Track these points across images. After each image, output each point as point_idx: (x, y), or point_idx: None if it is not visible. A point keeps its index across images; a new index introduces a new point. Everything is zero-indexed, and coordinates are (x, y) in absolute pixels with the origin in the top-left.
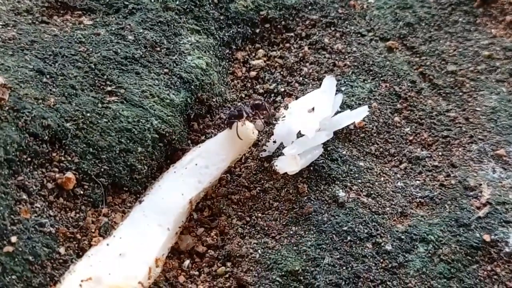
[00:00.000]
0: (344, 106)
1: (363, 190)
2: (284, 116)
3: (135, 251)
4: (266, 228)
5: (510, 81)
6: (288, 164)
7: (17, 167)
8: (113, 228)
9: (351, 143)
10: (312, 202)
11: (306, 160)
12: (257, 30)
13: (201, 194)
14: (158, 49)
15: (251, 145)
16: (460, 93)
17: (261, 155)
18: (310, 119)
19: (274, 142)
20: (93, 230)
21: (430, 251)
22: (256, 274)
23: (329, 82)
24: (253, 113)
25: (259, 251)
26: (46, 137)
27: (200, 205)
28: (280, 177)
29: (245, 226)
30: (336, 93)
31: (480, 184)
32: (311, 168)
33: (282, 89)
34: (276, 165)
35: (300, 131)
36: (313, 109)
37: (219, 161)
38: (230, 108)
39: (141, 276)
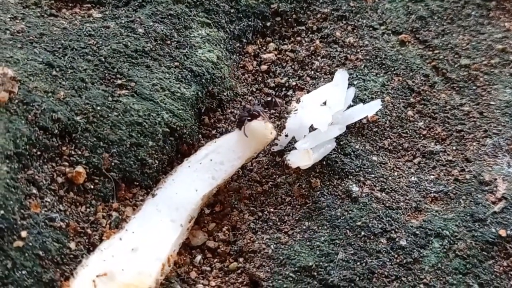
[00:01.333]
0: (357, 100)
1: (377, 184)
2: (296, 110)
3: (148, 247)
4: (279, 223)
5: None
6: (301, 158)
7: (26, 161)
8: (125, 222)
9: (364, 137)
10: (325, 197)
11: (319, 154)
12: (268, 24)
13: (214, 191)
14: (169, 42)
15: (267, 144)
16: (474, 87)
17: (273, 149)
18: (323, 113)
19: (286, 136)
20: (104, 225)
21: (445, 247)
22: (269, 270)
23: (341, 75)
24: (265, 110)
25: (271, 246)
26: (56, 131)
27: (211, 200)
28: (292, 172)
29: (257, 221)
30: (348, 87)
31: (495, 179)
32: (324, 163)
33: (294, 83)
34: (289, 160)
35: (312, 125)
36: (325, 103)
37: (235, 158)
38: (243, 106)
39: (155, 273)
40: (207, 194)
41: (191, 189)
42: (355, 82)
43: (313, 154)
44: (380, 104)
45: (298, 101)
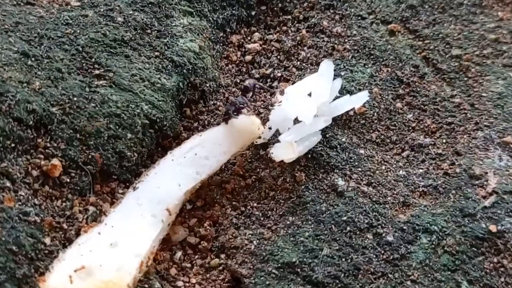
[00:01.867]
0: (344, 92)
1: (364, 178)
2: (280, 102)
3: (127, 242)
4: (262, 218)
5: None
6: (285, 151)
7: (0, 153)
8: (104, 215)
9: (350, 130)
10: (310, 191)
11: (304, 147)
12: (253, 13)
13: (198, 186)
14: (149, 31)
15: (255, 140)
16: (465, 78)
17: (256, 142)
18: (308, 104)
19: (270, 129)
20: (80, 220)
21: (434, 242)
22: (251, 266)
23: (327, 66)
24: (248, 99)
25: (254, 242)
26: (31, 122)
27: (193, 194)
28: (276, 166)
29: (240, 216)
30: (334, 78)
31: (486, 173)
32: (309, 156)
33: (279, 74)
34: (272, 153)
35: (297, 117)
36: (310, 94)
37: (220, 153)
38: (227, 98)
39: (134, 271)
40: (190, 189)
41: (174, 183)
42: (342, 73)
43: (298, 147)
44: (367, 96)
45: (282, 92)
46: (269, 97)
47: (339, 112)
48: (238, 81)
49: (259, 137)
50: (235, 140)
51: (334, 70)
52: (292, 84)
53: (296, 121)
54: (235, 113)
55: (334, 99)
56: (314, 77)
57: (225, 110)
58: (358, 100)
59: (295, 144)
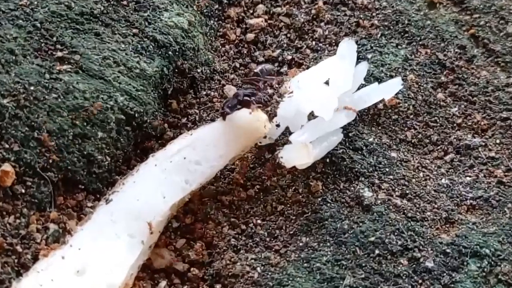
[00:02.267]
0: (371, 79)
1: (396, 189)
2: (291, 92)
3: (98, 269)
4: (268, 239)
5: None
6: (297, 155)
7: None
8: (69, 234)
9: (380, 127)
10: (328, 204)
11: (321, 150)
12: None
13: (187, 198)
14: (125, 2)
15: (259, 140)
16: None
17: (260, 143)
18: (326, 96)
19: (278, 126)
20: (38, 241)
21: (485, 269)
22: None
23: (348, 46)
24: (258, 90)
25: (258, 269)
26: None
27: (180, 209)
28: (286, 172)
29: (240, 237)
30: (358, 62)
31: None
32: (328, 160)
33: (289, 57)
34: (281, 157)
35: (312, 111)
36: (328, 82)
37: (216, 157)
38: (223, 89)
39: None
40: (177, 202)
41: (157, 195)
42: (369, 56)
43: (314, 149)
44: (401, 84)
45: (293, 80)
46: (276, 85)
47: (365, 104)
48: (238, 65)
49: (265, 137)
50: (234, 140)
51: (358, 52)
52: (306, 69)
53: (311, 116)
54: (238, 108)
55: (358, 89)
56: (332, 61)
57: (224, 103)
58: (389, 90)
59: (310, 145)
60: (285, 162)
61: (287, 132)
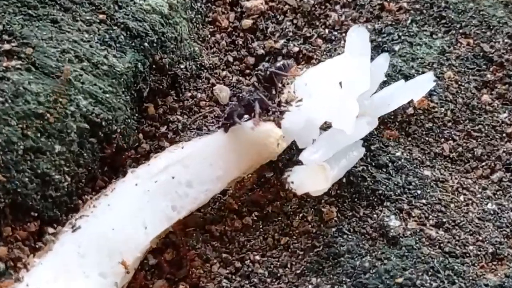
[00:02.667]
0: (399, 77)
1: (430, 216)
2: (299, 100)
3: None
4: (269, 280)
5: None
6: (312, 179)
7: None
8: (25, 269)
9: (410, 138)
10: (344, 236)
11: (340, 170)
12: None
13: (171, 228)
14: None
15: (269, 159)
16: None
17: None
18: (345, 102)
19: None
20: None
21: None
22: None
23: (357, 35)
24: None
25: None
26: None
27: (160, 241)
28: (292, 195)
29: (234, 277)
30: (375, 53)
31: None
32: (344, 180)
33: (296, 49)
34: (292, 182)
35: (325, 122)
36: (341, 83)
37: (212, 179)
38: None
39: None
40: (161, 233)
41: (137, 223)
42: (396, 47)
43: (331, 170)
44: (433, 80)
45: (296, 83)
46: (280, 86)
47: (389, 108)
48: (231, 59)
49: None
50: (237, 159)
51: (383, 43)
52: (311, 67)
53: (325, 126)
54: (244, 118)
55: (378, 89)
56: (342, 58)
57: (228, 111)
58: (418, 88)
59: (327, 166)
60: (297, 189)
61: (293, 145)
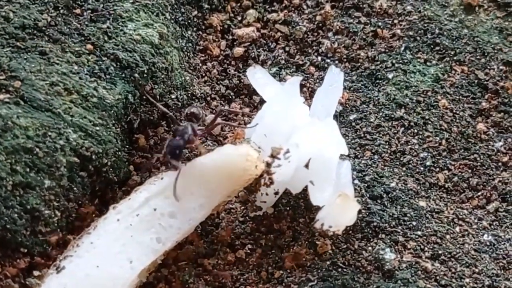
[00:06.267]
0: (393, 106)
1: (426, 248)
2: (287, 153)
3: None
4: None
5: None
6: (342, 210)
7: None
8: None
9: (404, 169)
10: (339, 269)
11: (349, 186)
12: None
13: (159, 260)
14: (78, 11)
15: (249, 182)
16: None
17: (255, 213)
18: (330, 132)
19: (277, 193)
20: None
21: None
22: None
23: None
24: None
25: None
26: None
27: (151, 275)
28: (286, 228)
29: None
30: (368, 81)
31: None
32: None
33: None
34: (330, 226)
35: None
36: None
37: (195, 207)
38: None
39: None
40: (148, 267)
41: (122, 259)
42: (389, 75)
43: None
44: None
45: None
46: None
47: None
48: (223, 89)
49: (260, 208)
50: (218, 185)
51: (377, 71)
52: (308, 94)
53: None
54: (174, 159)
55: None
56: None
57: (168, 146)
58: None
59: (348, 194)
60: (336, 228)
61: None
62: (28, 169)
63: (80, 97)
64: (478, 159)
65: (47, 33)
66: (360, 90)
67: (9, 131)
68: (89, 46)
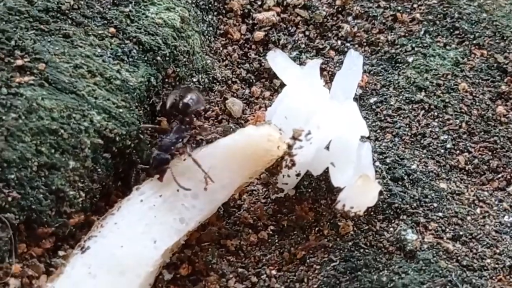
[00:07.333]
0: (413, 89)
1: (447, 229)
2: (308, 134)
3: None
4: None
5: None
6: (363, 191)
7: None
8: None
9: (425, 151)
10: (361, 250)
11: (370, 168)
12: None
13: (182, 241)
14: None
15: (271, 163)
16: None
17: (277, 195)
18: (349, 111)
19: (298, 175)
20: None
21: None
22: None
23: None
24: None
25: None
26: None
27: (174, 256)
28: (307, 209)
29: None
30: (388, 65)
31: None
32: None
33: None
34: (352, 207)
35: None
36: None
37: (217, 188)
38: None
39: None
40: (171, 247)
41: (146, 239)
42: (409, 59)
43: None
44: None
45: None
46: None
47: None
48: (244, 72)
49: (282, 190)
50: (240, 166)
51: (396, 54)
52: (329, 78)
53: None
54: (161, 173)
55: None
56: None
57: (153, 159)
58: (354, 67)
59: (369, 175)
60: (358, 209)
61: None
62: (53, 150)
63: (104, 80)
64: (498, 141)
65: (70, 16)
66: (380, 74)
67: (34, 113)
68: (112, 30)
